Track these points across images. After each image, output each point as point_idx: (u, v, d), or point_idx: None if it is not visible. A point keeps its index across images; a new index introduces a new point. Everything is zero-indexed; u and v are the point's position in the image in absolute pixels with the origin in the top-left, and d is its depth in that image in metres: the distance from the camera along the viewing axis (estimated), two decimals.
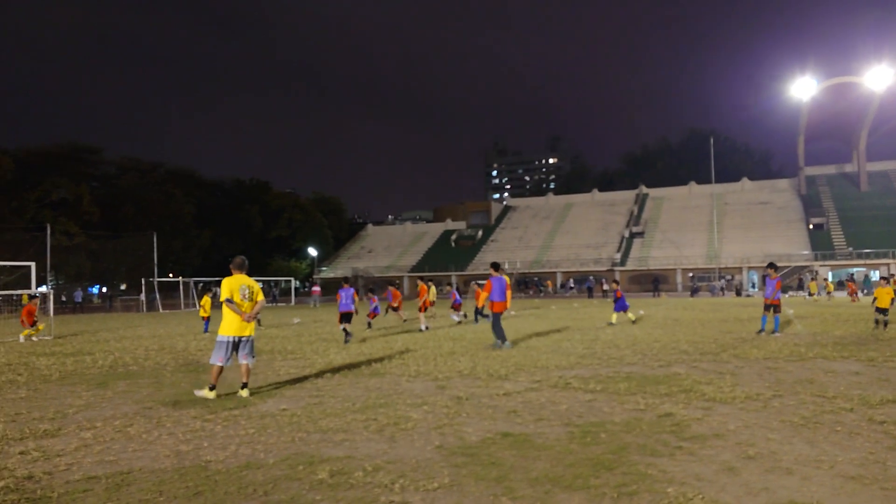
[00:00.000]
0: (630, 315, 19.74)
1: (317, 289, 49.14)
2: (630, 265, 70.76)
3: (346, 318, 15.43)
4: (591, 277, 63.17)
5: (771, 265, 14.68)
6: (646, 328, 17.71)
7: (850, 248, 62.96)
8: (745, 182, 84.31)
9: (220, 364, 8.01)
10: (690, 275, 65.36)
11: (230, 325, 8.08)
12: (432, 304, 22.22)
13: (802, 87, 71.42)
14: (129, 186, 75.09)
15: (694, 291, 52.16)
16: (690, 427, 5.99)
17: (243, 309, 8.09)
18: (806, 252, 64.47)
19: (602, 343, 13.70)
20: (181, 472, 4.85)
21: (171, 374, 10.20)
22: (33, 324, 18.01)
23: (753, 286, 58.36)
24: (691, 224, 76.48)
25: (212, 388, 8.04)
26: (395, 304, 22.11)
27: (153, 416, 6.97)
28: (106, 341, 17.05)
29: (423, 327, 18.51)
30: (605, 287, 52.72)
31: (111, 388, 9.00)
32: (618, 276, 67.17)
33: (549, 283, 68.15)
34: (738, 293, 50.67)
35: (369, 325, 19.67)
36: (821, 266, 61.53)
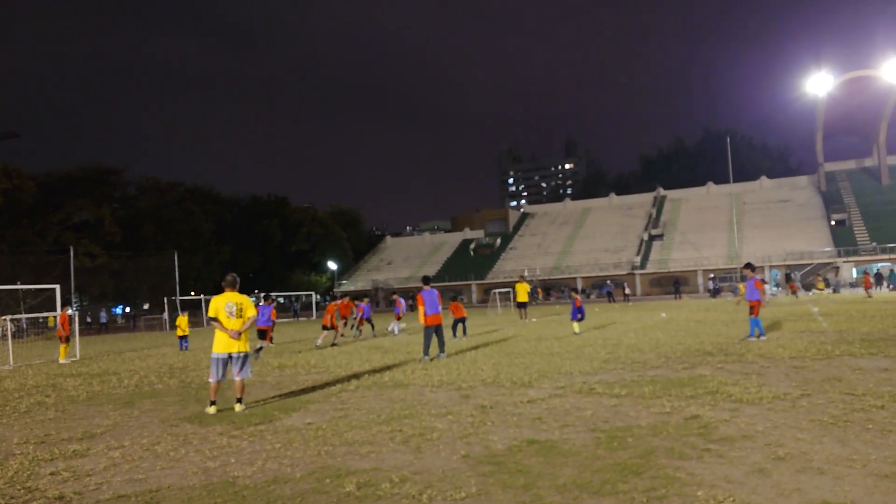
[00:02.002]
0: (575, 326, 17.91)
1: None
2: (650, 268, 70.26)
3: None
4: (609, 282, 62.79)
5: (748, 265, 14.43)
6: (669, 331, 17.55)
7: (874, 243, 61.99)
8: (764, 180, 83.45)
9: (211, 381, 8.23)
10: (711, 276, 64.66)
11: (219, 343, 8.22)
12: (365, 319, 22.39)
13: (819, 83, 70.57)
14: (149, 206, 76.14)
15: (715, 292, 51.58)
16: (718, 429, 5.92)
17: (230, 326, 8.16)
18: (829, 249, 63.59)
19: (625, 347, 13.60)
20: (209, 489, 4.88)
21: (196, 392, 10.28)
22: (66, 339, 18.48)
23: (776, 286, 57.61)
24: (710, 225, 75.79)
25: (212, 404, 8.24)
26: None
27: (180, 433, 7.03)
28: (131, 361, 17.23)
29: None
30: (627, 291, 52.32)
31: (138, 406, 9.09)
32: (579, 285, 66.75)
33: (539, 290, 66.73)
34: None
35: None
36: (844, 262, 60.70)
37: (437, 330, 13.36)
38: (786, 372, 9.10)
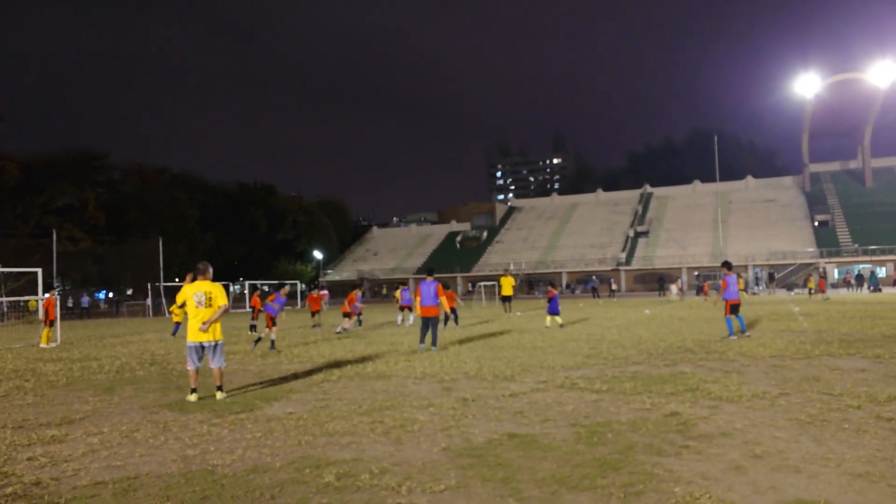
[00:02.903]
0: (558, 319, 18.20)
1: (325, 292, 49.42)
2: (635, 264, 70.68)
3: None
4: (595, 277, 63.07)
5: (725, 263, 14.57)
6: (652, 328, 17.68)
7: (856, 245, 62.75)
8: (750, 180, 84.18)
9: (189, 368, 8.22)
10: (696, 273, 65.21)
11: (191, 332, 8.19)
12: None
13: (806, 84, 71.22)
14: (134, 191, 75.43)
15: (699, 290, 52.00)
16: (697, 426, 5.98)
17: (199, 317, 8.09)
18: (811, 249, 64.29)
19: (608, 343, 13.68)
20: (188, 477, 4.86)
21: (177, 379, 10.22)
22: (51, 323, 18.22)
23: (758, 284, 58.17)
24: (696, 223, 76.36)
25: (193, 391, 8.20)
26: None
27: (160, 420, 6.99)
28: (112, 346, 17.11)
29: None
30: (613, 287, 52.57)
31: (118, 393, 9.03)
32: (564, 280, 66.96)
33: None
34: (745, 291, 50.51)
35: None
36: (826, 263, 61.37)
37: (432, 322, 13.43)
38: (765, 370, 9.20)
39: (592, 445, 5.41)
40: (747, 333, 14.25)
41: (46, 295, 19.19)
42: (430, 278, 13.77)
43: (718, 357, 10.81)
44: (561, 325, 18.27)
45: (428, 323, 13.44)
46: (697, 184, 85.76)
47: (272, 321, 14.82)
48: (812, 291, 39.26)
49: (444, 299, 13.97)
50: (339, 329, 19.09)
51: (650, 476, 4.55)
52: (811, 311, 22.93)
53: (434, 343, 13.36)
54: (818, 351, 11.17)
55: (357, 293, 20.42)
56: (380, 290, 75.57)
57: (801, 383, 8.06)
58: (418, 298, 13.57)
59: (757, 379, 8.49)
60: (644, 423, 6.15)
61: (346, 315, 19.16)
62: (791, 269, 62.46)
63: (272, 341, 14.67)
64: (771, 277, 55.47)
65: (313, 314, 23.09)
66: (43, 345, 17.78)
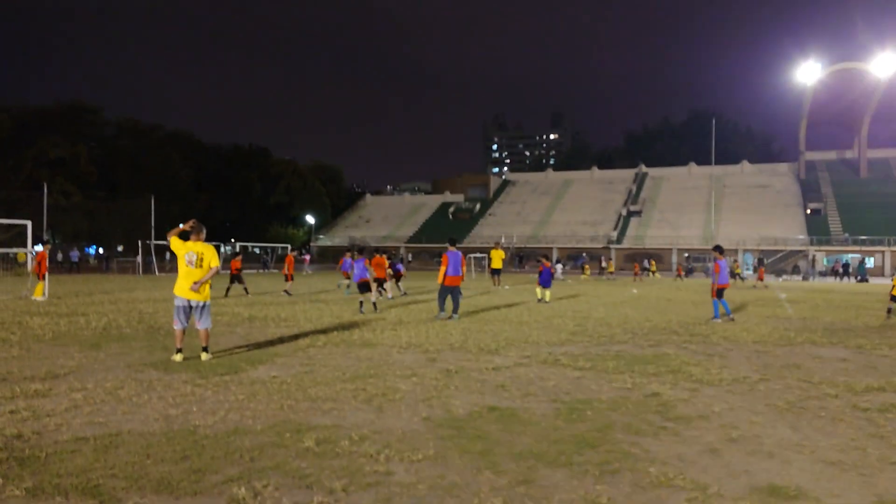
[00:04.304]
0: (546, 294, 18.51)
1: (306, 256, 50.03)
2: (626, 243, 70.94)
3: (363, 287, 14.99)
4: (584, 255, 63.28)
5: (716, 248, 14.67)
6: (638, 308, 17.79)
7: (846, 234, 63.10)
8: (745, 165, 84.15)
9: (176, 328, 8.18)
10: (686, 255, 65.51)
11: (180, 287, 8.12)
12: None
13: (807, 72, 70.92)
14: (127, 148, 74.74)
15: (688, 272, 52.30)
16: (676, 407, 6.05)
17: (190, 277, 8.06)
18: (802, 237, 64.65)
19: (594, 321, 13.77)
20: (169, 436, 4.89)
21: (163, 338, 10.23)
22: (43, 276, 18.09)
23: (748, 268, 58.51)
24: (689, 205, 76.49)
25: (178, 351, 8.18)
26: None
27: (144, 379, 7.01)
28: (101, 303, 17.07)
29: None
30: (603, 265, 52.80)
31: (104, 350, 9.03)
32: (555, 256, 66.96)
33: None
34: (734, 275, 50.82)
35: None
36: (816, 251, 61.75)
37: (456, 291, 13.87)
38: (747, 356, 9.29)
39: (571, 422, 5.47)
40: (731, 317, 14.36)
41: (39, 248, 19.03)
42: (453, 248, 14.06)
43: (702, 340, 10.90)
44: (546, 301, 18.38)
45: (451, 291, 13.80)
46: (693, 166, 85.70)
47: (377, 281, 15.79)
48: (742, 278, 40.27)
49: (465, 269, 14.26)
50: (389, 296, 19.12)
51: (626, 455, 4.61)
52: (797, 299, 23.11)
53: (456, 310, 13.68)
54: (801, 339, 11.29)
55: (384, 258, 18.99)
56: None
57: (782, 370, 8.15)
58: (444, 268, 13.73)
59: (738, 363, 8.58)
60: (624, 402, 6.22)
61: (379, 280, 17.27)
62: (780, 255, 62.81)
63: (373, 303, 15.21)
64: (760, 262, 55.80)
65: (287, 278, 21.82)
66: (35, 297, 17.71)
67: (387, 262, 19.14)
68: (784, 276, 52.38)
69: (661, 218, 74.71)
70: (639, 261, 52.64)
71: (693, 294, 24.87)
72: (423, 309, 15.99)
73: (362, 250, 16.02)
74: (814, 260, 58.66)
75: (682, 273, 39.49)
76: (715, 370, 7.97)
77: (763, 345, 10.44)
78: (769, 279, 49.57)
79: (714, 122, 70.30)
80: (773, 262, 60.87)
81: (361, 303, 14.86)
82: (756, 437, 5.12)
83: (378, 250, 19.31)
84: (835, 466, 4.48)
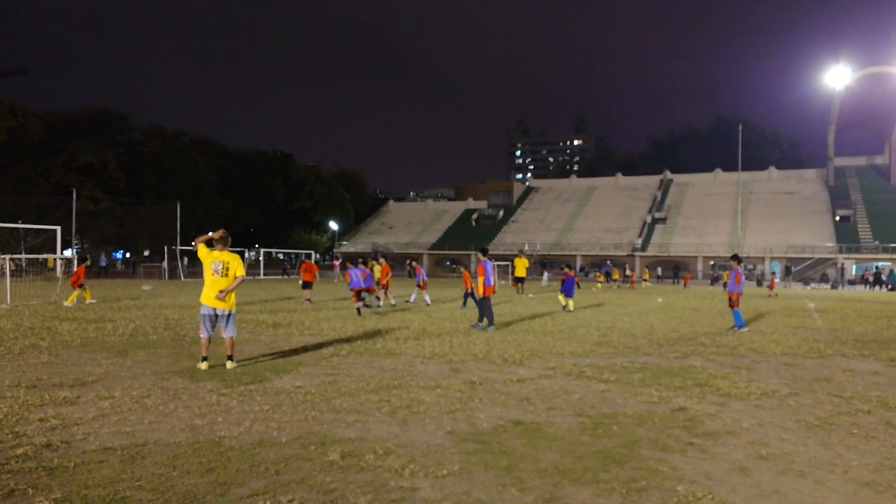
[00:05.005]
0: (569, 303, 18.45)
1: (336, 262, 49.92)
2: (651, 251, 70.28)
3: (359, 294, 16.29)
4: (609, 263, 62.81)
5: (734, 257, 14.44)
6: (664, 317, 17.59)
7: (876, 242, 61.90)
8: (772, 171, 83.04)
9: (202, 336, 8.25)
10: (711, 263, 64.75)
11: (206, 296, 8.22)
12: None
13: (836, 76, 69.78)
14: (154, 153, 75.84)
15: (714, 280, 51.67)
16: (703, 423, 5.95)
17: (217, 285, 8.14)
18: (830, 244, 63.55)
19: (618, 331, 13.64)
20: (195, 447, 4.91)
21: (189, 346, 10.33)
22: (80, 286, 19.04)
23: (775, 276, 57.67)
24: (715, 211, 75.62)
25: (203, 360, 8.24)
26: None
27: (170, 387, 7.07)
28: (127, 308, 17.30)
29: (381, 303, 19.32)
30: (627, 272, 52.34)
31: (130, 357, 9.14)
32: (578, 263, 66.90)
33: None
34: (759, 283, 50.15)
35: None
36: (845, 259, 60.64)
37: (490, 302, 13.73)
38: (776, 368, 9.13)
39: (597, 437, 5.41)
40: (744, 329, 14.15)
41: (66, 253, 19.77)
42: (486, 257, 13.94)
43: (729, 351, 10.74)
44: (570, 310, 18.28)
45: (487, 302, 13.62)
46: (719, 172, 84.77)
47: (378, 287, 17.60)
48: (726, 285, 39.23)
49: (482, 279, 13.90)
50: (411, 299, 21.05)
51: (653, 473, 4.54)
52: (826, 308, 22.70)
53: (492, 322, 13.55)
54: (831, 350, 11.07)
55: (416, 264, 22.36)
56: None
57: (812, 383, 7.99)
58: (482, 278, 13.60)
59: (767, 377, 8.43)
60: (650, 416, 6.13)
61: (419, 286, 21.17)
62: (808, 263, 61.81)
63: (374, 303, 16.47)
64: (788, 271, 54.97)
65: (305, 286, 21.11)
66: (89, 300, 19.10)
67: (390, 270, 20.32)
68: (812, 285, 51.52)
69: (686, 225, 73.96)
70: (620, 268, 51.97)
71: (719, 303, 24.55)
72: (446, 318, 15.97)
73: (376, 256, 17.17)
74: (843, 268, 57.56)
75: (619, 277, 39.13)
76: (743, 383, 7.84)
77: (792, 357, 10.26)
78: (796, 287, 48.81)
79: (741, 127, 69.41)
80: (801, 269, 59.93)
81: (359, 309, 16.09)
82: (786, 455, 5.02)
83: (386, 257, 20.84)
84: (869, 487, 4.37)
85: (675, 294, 32.78)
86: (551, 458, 4.83)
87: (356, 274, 16.39)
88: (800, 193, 76.74)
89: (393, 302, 19.64)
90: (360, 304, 16.26)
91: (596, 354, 10.15)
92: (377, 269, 21.92)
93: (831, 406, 6.76)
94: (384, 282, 19.56)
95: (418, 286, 21.66)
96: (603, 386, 7.59)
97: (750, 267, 61.47)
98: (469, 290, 18.61)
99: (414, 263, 24.40)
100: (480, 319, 13.68)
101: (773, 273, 40.54)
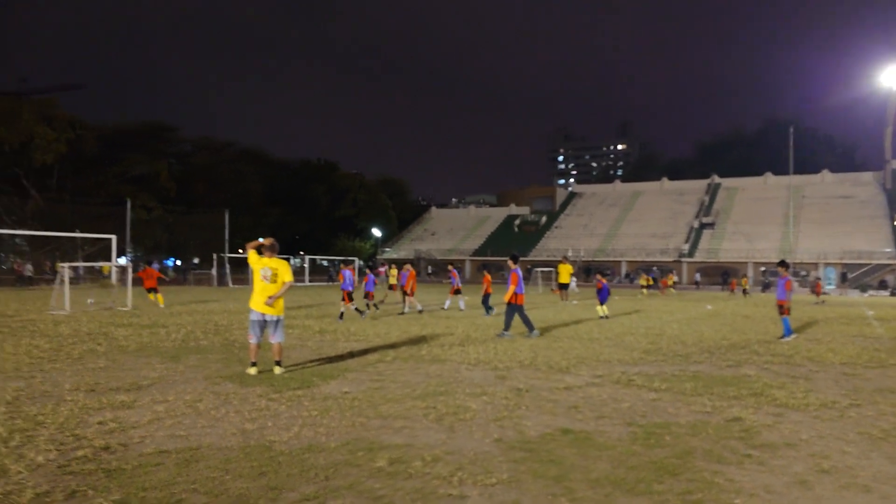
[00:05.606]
0: (603, 310, 18.07)
1: (382, 269, 50.36)
2: (698, 257, 68.85)
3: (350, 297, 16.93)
4: (655, 269, 61.79)
5: (781, 263, 13.92)
6: (714, 325, 17.20)
7: None
8: (826, 174, 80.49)
9: (251, 342, 8.38)
10: (762, 269, 63.09)
11: (255, 302, 8.34)
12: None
13: (892, 75, 67.36)
14: (203, 164, 77.74)
15: (765, 287, 50.33)
16: (760, 434, 5.77)
17: (265, 291, 8.27)
18: (889, 250, 61.21)
19: (667, 339, 13.38)
20: (246, 452, 4.98)
21: (238, 351, 10.51)
22: (152, 289, 21.09)
23: (830, 283, 55.87)
24: (765, 216, 73.65)
25: (253, 365, 8.37)
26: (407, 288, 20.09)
27: (221, 392, 7.20)
28: (179, 314, 17.73)
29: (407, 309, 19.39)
30: (675, 279, 51.31)
31: (183, 361, 9.34)
32: (624, 269, 65.64)
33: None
34: (744, 291, 48.54)
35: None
36: None
37: (522, 309, 13.50)
38: (835, 378, 8.82)
39: (649, 447, 5.29)
40: (794, 335, 13.72)
41: (152, 265, 23.04)
42: (515, 265, 13.57)
43: (784, 360, 10.42)
44: (606, 316, 17.95)
45: (520, 309, 13.37)
46: (769, 176, 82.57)
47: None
48: (746, 292, 39.18)
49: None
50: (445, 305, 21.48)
51: (709, 485, 4.42)
52: (887, 316, 21.88)
53: (532, 328, 13.36)
54: (893, 360, 10.65)
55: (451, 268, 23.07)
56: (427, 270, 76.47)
57: (874, 394, 7.69)
58: (514, 286, 13.30)
59: (826, 387, 8.14)
60: (704, 427, 5.98)
61: (458, 292, 21.32)
62: (865, 269, 59.71)
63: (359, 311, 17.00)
64: (843, 277, 53.23)
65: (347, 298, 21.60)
66: (161, 305, 20.64)
67: (396, 273, 20.85)
68: (870, 292, 49.73)
69: (735, 230, 72.23)
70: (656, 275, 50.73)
71: (772, 310, 23.88)
72: (490, 325, 15.91)
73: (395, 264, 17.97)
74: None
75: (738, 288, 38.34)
76: (800, 394, 7.59)
77: (851, 367, 9.90)
78: (853, 294, 47.20)
79: (792, 129, 67.56)
80: (857, 276, 57.93)
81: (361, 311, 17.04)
82: (849, 469, 4.83)
83: (406, 262, 21.35)
84: None
85: (724, 301, 32.03)
86: (602, 467, 4.75)
87: (349, 276, 17.01)
88: (855, 197, 74.21)
89: (419, 308, 19.57)
90: (351, 305, 16.76)
91: (645, 362, 9.97)
92: (393, 273, 22.87)
93: (895, 418, 6.49)
94: (408, 287, 19.47)
95: (457, 291, 21.54)
96: (653, 395, 7.44)
97: (803, 273, 59.68)
98: (486, 294, 18.91)
99: (450, 267, 24.01)
100: (507, 328, 13.30)
101: (818, 279, 39.10)
